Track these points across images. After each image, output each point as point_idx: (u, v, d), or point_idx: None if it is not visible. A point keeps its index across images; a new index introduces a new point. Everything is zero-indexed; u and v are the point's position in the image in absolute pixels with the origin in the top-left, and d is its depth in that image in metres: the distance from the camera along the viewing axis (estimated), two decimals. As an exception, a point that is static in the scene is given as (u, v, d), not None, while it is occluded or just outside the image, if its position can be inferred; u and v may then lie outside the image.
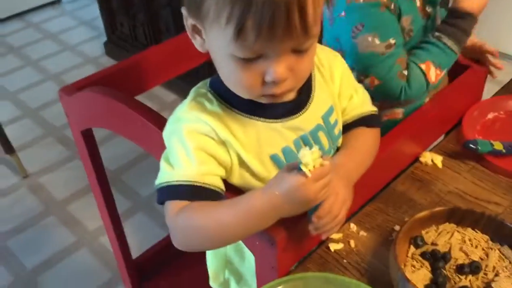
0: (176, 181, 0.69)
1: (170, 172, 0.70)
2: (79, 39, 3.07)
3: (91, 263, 1.75)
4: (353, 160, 0.77)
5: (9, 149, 2.03)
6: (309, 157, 0.61)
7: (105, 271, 1.71)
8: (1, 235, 1.85)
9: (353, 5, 0.93)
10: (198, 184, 0.68)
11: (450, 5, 0.99)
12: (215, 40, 0.63)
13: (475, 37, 1.09)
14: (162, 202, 0.71)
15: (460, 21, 0.94)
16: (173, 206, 0.69)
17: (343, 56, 0.84)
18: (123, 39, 2.72)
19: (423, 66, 0.93)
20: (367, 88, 0.88)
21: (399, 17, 0.97)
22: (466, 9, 0.95)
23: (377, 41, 0.93)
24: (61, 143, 2.28)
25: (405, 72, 0.95)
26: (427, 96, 1.04)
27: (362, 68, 0.96)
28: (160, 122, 0.84)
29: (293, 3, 0.57)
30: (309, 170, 0.61)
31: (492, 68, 1.11)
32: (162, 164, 0.72)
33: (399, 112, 1.04)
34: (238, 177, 0.73)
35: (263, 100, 0.68)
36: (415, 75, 0.93)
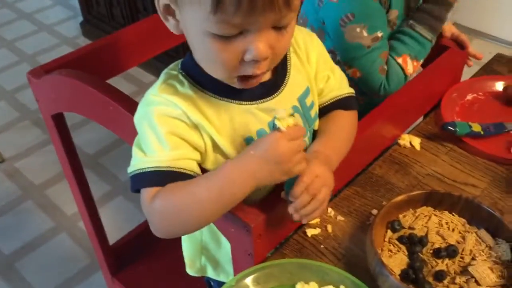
0: (150, 167, 0.66)
1: (142, 159, 0.68)
2: (55, 19, 2.99)
3: (70, 248, 1.73)
4: (332, 147, 0.76)
5: (-17, 133, 1.98)
6: (284, 114, 0.63)
7: (85, 257, 1.69)
8: (-23, 221, 1.82)
9: None
10: (173, 170, 0.66)
11: None
12: (191, 18, 0.60)
13: (452, 27, 1.08)
14: (137, 190, 0.68)
15: (434, 7, 0.92)
16: (148, 193, 0.67)
17: (323, 38, 0.82)
18: (99, 19, 2.65)
19: (400, 60, 0.91)
20: (350, 79, 0.86)
21: (387, 10, 0.96)
22: None
23: (365, 33, 0.92)
24: (37, 126, 2.23)
25: (386, 67, 0.94)
26: None
27: (347, 58, 0.96)
28: (132, 106, 0.82)
29: None
30: (284, 127, 0.63)
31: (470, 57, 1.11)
32: (134, 150, 0.69)
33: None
34: (212, 162, 0.71)
35: (236, 85, 0.66)
36: (393, 70, 0.92)
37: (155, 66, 2.35)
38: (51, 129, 1.01)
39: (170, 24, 0.66)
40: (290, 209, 0.68)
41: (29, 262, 1.69)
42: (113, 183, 1.94)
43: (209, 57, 0.63)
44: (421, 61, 0.94)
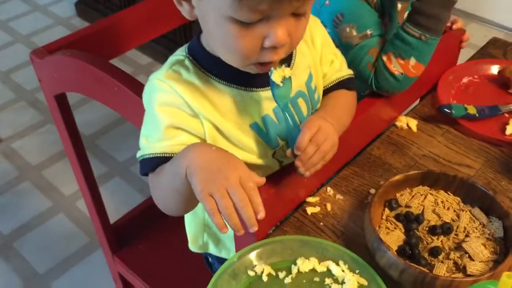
0: (149, 154, 0.70)
1: (145, 145, 0.71)
2: (49, -1, 2.97)
3: (68, 228, 1.74)
4: (332, 115, 0.77)
5: (-20, 114, 1.98)
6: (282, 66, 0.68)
7: (83, 236, 1.71)
8: (-25, 201, 1.83)
9: None
10: (170, 155, 0.68)
11: None
12: (211, 4, 0.61)
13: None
14: (145, 174, 0.72)
15: (421, 5, 0.90)
16: (150, 177, 0.71)
17: None
18: (95, -1, 2.64)
19: (384, 58, 0.92)
20: None
21: (381, 12, 0.98)
22: None
23: (354, 32, 0.94)
24: (33, 107, 2.23)
25: (375, 64, 0.95)
26: None
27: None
28: (135, 86, 0.83)
29: None
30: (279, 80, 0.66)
31: None
32: (140, 136, 0.72)
33: None
34: (221, 146, 0.73)
35: (252, 70, 0.67)
36: (379, 67, 0.93)
37: (152, 48, 2.35)
38: (53, 109, 1.02)
39: (184, 9, 0.67)
40: (297, 163, 0.69)
41: (28, 242, 1.71)
42: (110, 165, 1.95)
43: (228, 43, 0.63)
44: (412, 59, 0.92)
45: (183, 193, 0.65)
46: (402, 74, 0.92)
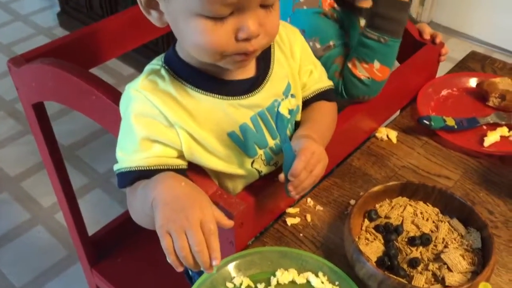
0: (125, 167, 0.69)
1: (121, 158, 0.71)
2: (31, 8, 2.94)
3: (47, 241, 1.71)
4: (317, 131, 0.78)
5: (-43, 123, 1.94)
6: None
7: (62, 249, 1.68)
8: (-49, 213, 1.79)
9: (296, 12, 0.98)
10: (145, 168, 0.68)
11: None
12: (179, 5, 0.61)
13: (428, 27, 1.12)
14: (123, 187, 0.72)
15: (378, 8, 0.91)
16: (127, 191, 0.71)
17: None
18: (77, 9, 2.62)
19: (349, 64, 0.94)
20: None
21: (341, 21, 0.99)
22: None
23: (317, 45, 0.96)
24: (12, 117, 2.19)
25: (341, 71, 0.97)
26: None
27: None
28: (115, 95, 0.82)
29: None
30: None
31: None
32: (117, 147, 0.72)
33: None
34: (199, 155, 0.72)
35: (230, 65, 0.67)
36: (346, 73, 0.94)
37: (134, 59, 2.34)
38: (31, 118, 1.00)
39: (153, 17, 0.67)
40: (290, 187, 0.69)
41: (5, 254, 1.67)
42: (90, 176, 1.92)
43: (202, 40, 0.63)
44: (376, 62, 0.92)
45: (153, 218, 0.64)
46: (369, 78, 0.93)
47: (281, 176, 0.71)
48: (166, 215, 0.59)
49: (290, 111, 0.72)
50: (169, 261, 0.59)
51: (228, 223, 0.62)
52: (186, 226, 0.57)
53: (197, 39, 0.63)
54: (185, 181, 0.65)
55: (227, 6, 0.59)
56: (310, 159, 0.69)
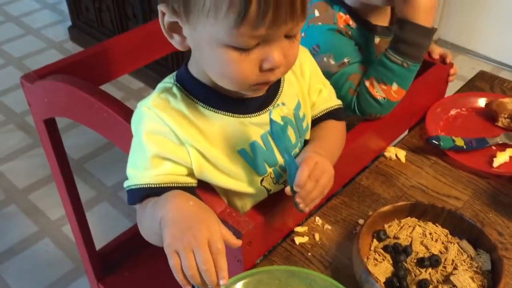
0: (136, 184, 0.70)
1: (132, 175, 0.71)
2: (42, 22, 2.98)
3: (53, 254, 1.71)
4: (324, 149, 0.78)
5: (-32, 135, 1.97)
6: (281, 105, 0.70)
7: (68, 262, 1.68)
8: (-41, 224, 1.80)
9: (311, 27, 0.98)
10: (155, 186, 0.69)
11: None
12: (206, 33, 0.61)
13: (438, 47, 1.12)
14: (132, 204, 0.72)
15: (400, 33, 0.91)
16: (137, 208, 0.72)
17: None
18: (88, 24, 2.65)
19: (367, 83, 0.94)
20: None
21: (357, 41, 1.00)
22: (404, 17, 0.91)
23: (332, 61, 0.96)
24: (22, 130, 2.21)
25: (356, 89, 0.97)
26: None
27: None
28: (125, 112, 0.83)
29: None
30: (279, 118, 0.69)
31: None
32: (128, 164, 0.72)
33: None
34: (209, 174, 0.73)
35: (249, 92, 0.68)
36: (362, 91, 0.95)
37: (143, 73, 2.36)
38: (42, 133, 1.01)
39: (175, 41, 0.68)
40: (298, 199, 0.69)
41: (12, 267, 1.67)
42: (98, 189, 1.93)
43: (227, 70, 0.63)
44: (395, 85, 0.93)
45: (162, 236, 0.64)
46: (384, 98, 0.94)
47: (287, 189, 0.71)
48: (173, 234, 0.59)
49: (283, 118, 0.71)
50: (177, 279, 0.59)
51: (236, 242, 0.62)
52: (194, 245, 0.58)
53: (223, 69, 0.64)
54: (194, 199, 0.65)
55: (255, 38, 0.60)
56: (314, 169, 0.69)
